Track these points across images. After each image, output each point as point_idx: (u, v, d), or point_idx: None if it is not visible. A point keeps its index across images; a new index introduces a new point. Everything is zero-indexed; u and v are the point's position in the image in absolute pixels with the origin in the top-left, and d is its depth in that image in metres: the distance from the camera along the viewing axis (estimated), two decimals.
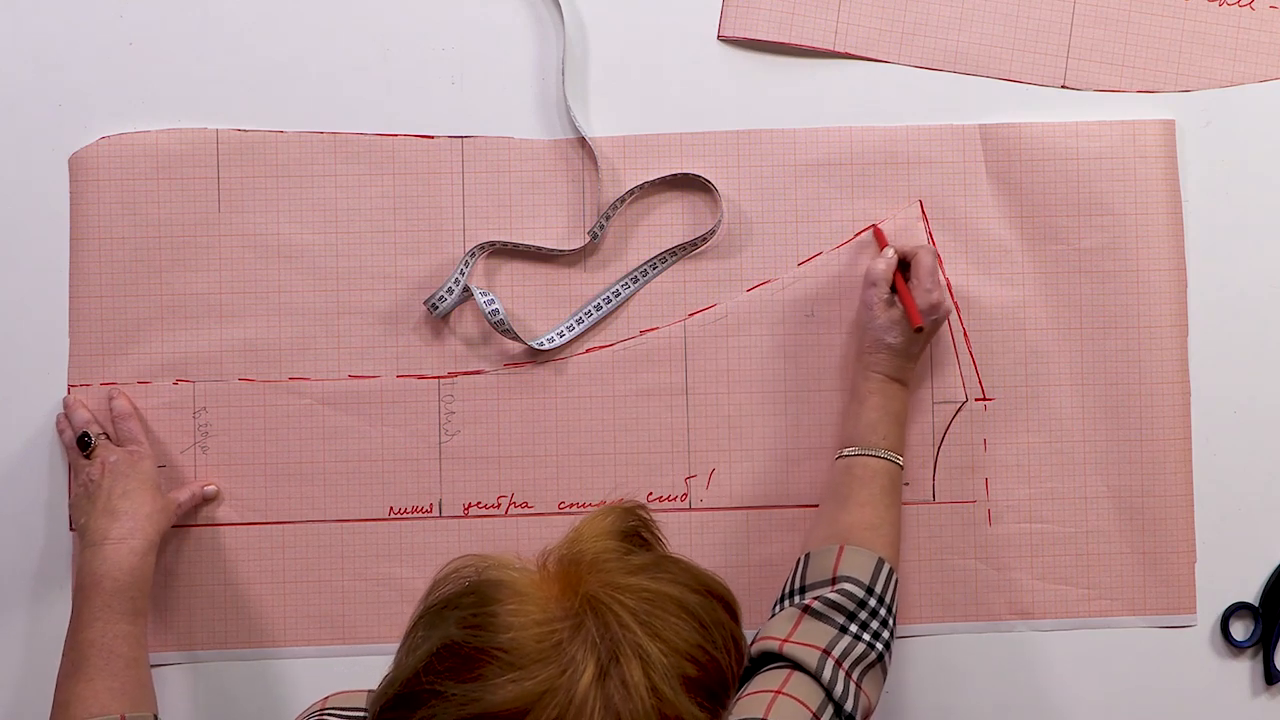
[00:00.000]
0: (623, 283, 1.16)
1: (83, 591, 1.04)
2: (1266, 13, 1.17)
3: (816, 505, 1.15)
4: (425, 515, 1.15)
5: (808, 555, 1.04)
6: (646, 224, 1.16)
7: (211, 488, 1.14)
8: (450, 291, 1.13)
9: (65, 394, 1.14)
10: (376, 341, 1.15)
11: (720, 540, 1.16)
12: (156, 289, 1.15)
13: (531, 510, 1.15)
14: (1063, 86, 1.18)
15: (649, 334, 1.16)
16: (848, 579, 1.01)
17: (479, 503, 1.16)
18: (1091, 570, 1.16)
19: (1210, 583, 1.17)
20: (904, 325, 1.09)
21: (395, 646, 1.13)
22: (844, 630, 0.99)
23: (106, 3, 1.16)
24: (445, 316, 1.15)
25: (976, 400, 1.17)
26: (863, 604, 1.00)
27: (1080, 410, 1.16)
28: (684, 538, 1.16)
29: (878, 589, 1.01)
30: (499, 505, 1.16)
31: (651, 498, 1.16)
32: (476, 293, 1.13)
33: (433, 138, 1.16)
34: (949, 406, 1.16)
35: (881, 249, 1.13)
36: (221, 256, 1.15)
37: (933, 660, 1.16)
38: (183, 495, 1.12)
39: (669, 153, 1.16)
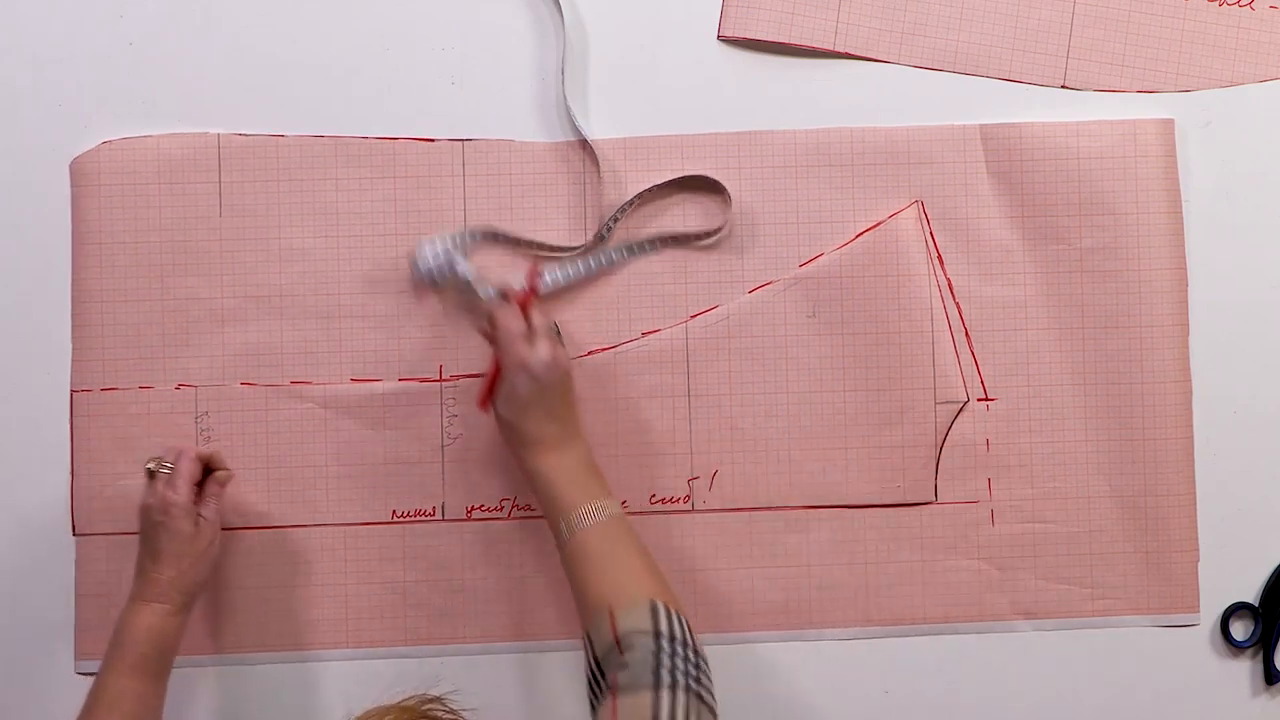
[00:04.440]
0: (618, 249, 1.15)
1: (112, 638, 1.04)
2: (1266, 13, 1.18)
3: (820, 506, 1.16)
4: (428, 519, 1.15)
5: (587, 634, 0.99)
6: (655, 226, 1.16)
7: (223, 472, 1.10)
8: (435, 255, 1.13)
9: (66, 398, 1.14)
10: (378, 345, 1.15)
11: (723, 542, 1.16)
12: (158, 293, 1.15)
13: (534, 513, 1.15)
14: (1063, 86, 1.18)
15: (651, 336, 1.16)
16: (631, 634, 0.95)
17: (481, 505, 1.15)
18: (1095, 570, 1.17)
19: (1210, 582, 1.17)
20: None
21: (397, 651, 1.15)
22: (657, 686, 0.91)
23: (106, 3, 1.15)
24: (446, 309, 1.15)
25: (978, 400, 1.17)
26: (658, 650, 0.93)
27: (1082, 410, 1.17)
28: (687, 540, 1.16)
29: (664, 629, 0.95)
30: (501, 508, 1.16)
31: (654, 499, 1.16)
32: (457, 257, 1.13)
33: (433, 141, 1.16)
34: (951, 407, 1.16)
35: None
36: (223, 260, 1.15)
37: (936, 660, 1.16)
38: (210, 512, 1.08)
39: (669, 154, 1.16)
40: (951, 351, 1.16)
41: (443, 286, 1.15)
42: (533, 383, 1.04)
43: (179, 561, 1.04)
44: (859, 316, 1.16)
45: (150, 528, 1.05)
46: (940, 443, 1.16)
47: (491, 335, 1.07)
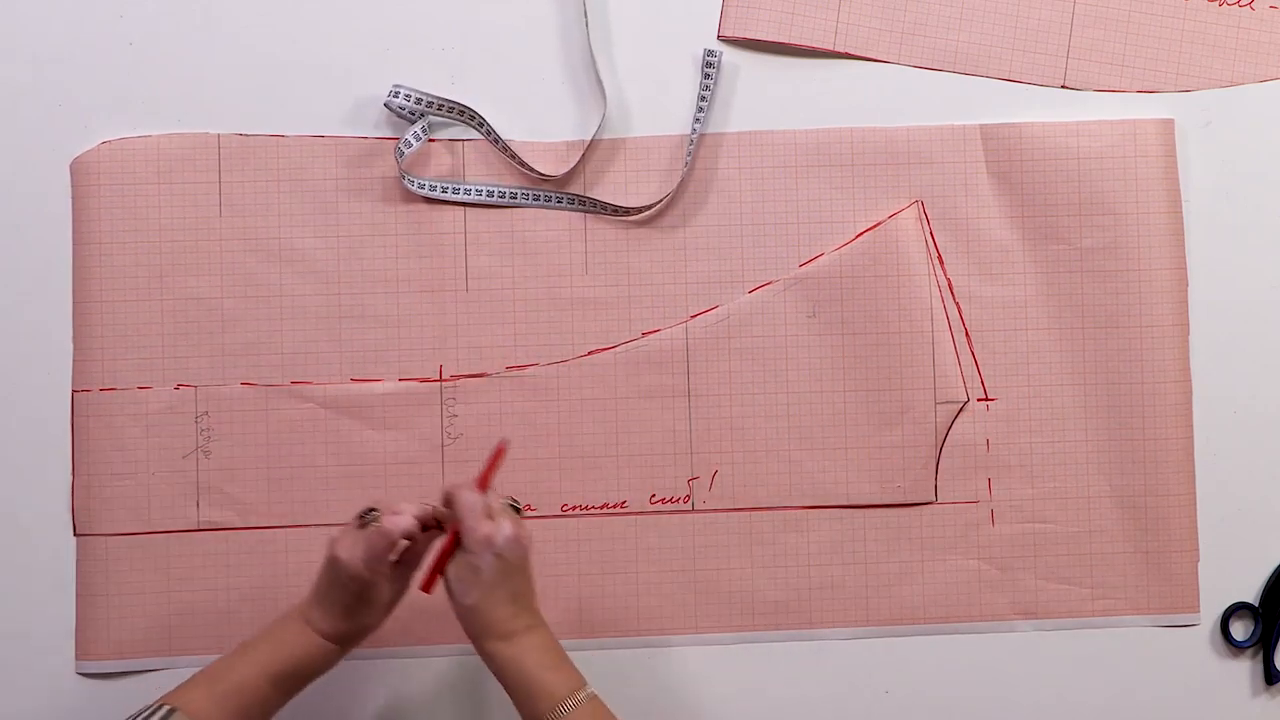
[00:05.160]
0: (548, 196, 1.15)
1: (269, 631, 1.00)
2: (1266, 13, 1.18)
3: (820, 506, 1.16)
4: None
5: None
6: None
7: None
8: (414, 105, 1.14)
9: (67, 400, 1.14)
10: (379, 345, 1.15)
11: (723, 542, 1.16)
12: (158, 293, 1.15)
13: (534, 513, 1.15)
14: (1063, 86, 1.18)
15: (650, 336, 1.16)
16: None
17: None
18: (1095, 569, 1.17)
19: (1210, 583, 1.17)
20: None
21: (398, 651, 1.15)
22: None
23: (106, 3, 1.16)
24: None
25: (978, 400, 1.17)
26: None
27: (1082, 410, 1.17)
28: (686, 539, 1.16)
29: None
30: None
31: (654, 499, 1.16)
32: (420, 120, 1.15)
33: (434, 141, 1.16)
34: (951, 407, 1.16)
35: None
36: (223, 261, 1.15)
37: (936, 660, 1.16)
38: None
39: (669, 154, 1.16)
40: (951, 351, 1.16)
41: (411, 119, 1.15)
42: (498, 561, 0.96)
43: (353, 619, 0.99)
44: (859, 316, 1.16)
45: (332, 579, 0.99)
46: (940, 443, 1.16)
47: (446, 515, 1.00)
